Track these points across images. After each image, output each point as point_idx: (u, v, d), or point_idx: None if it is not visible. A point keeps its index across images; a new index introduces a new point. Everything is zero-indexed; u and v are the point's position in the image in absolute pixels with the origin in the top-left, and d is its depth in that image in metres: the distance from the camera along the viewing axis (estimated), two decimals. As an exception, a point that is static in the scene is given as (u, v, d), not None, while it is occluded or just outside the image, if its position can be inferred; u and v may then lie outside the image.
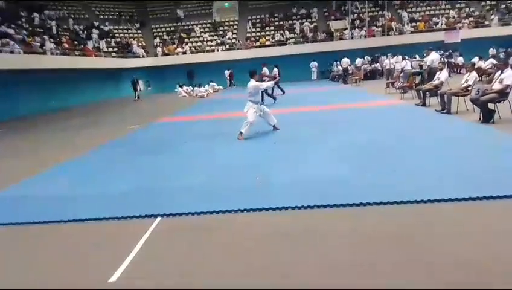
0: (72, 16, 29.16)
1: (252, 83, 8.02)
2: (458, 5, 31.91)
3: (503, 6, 30.35)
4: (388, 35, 29.16)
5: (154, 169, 6.05)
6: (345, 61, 23.76)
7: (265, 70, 17.00)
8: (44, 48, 19.98)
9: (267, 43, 30.72)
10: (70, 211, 4.31)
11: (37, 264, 3.26)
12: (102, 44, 28.19)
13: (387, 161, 5.34)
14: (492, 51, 23.00)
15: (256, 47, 30.24)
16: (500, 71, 7.47)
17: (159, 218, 3.94)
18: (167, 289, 2.70)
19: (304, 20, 32.67)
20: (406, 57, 17.65)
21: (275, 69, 16.58)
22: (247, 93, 8.09)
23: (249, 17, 33.98)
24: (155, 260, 3.13)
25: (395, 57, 18.99)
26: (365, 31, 29.87)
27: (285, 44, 30.24)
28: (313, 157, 5.86)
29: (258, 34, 32.32)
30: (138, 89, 24.16)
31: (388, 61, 19.66)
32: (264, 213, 3.88)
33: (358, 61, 24.79)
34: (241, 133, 7.75)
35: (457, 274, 2.56)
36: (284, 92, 17.35)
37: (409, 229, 3.27)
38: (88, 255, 3.33)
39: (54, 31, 23.87)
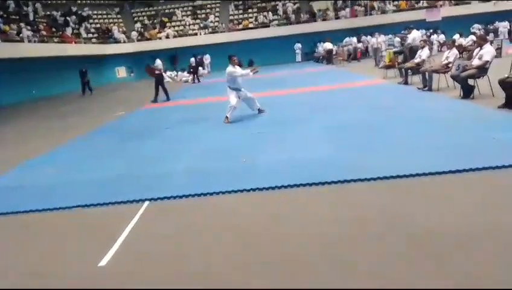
0: (49, 2, 28.24)
1: (229, 68, 7.76)
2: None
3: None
4: (371, 14, 29.11)
5: (141, 154, 6.05)
6: (328, 44, 23.50)
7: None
8: (21, 35, 19.39)
9: (250, 25, 30.35)
10: (57, 199, 4.30)
11: (26, 252, 3.27)
12: (82, 30, 27.46)
13: (372, 138, 5.44)
14: (476, 28, 23.17)
15: (239, 30, 29.86)
16: (479, 47, 7.58)
17: (146, 202, 3.96)
18: (157, 273, 2.73)
19: (287, 1, 32.33)
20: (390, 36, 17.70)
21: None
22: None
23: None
24: (144, 244, 3.17)
25: (381, 36, 18.93)
26: (347, 11, 29.72)
27: (268, 26, 29.93)
28: (298, 139, 5.93)
29: (241, 16, 31.87)
30: (87, 81, 19.47)
31: (375, 40, 19.61)
32: (251, 193, 3.93)
33: (347, 40, 24.73)
34: (226, 117, 7.71)
35: (438, 245, 2.63)
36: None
37: (392, 203, 3.36)
38: (77, 241, 3.35)
39: (31, 18, 23.12)
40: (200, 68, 26.34)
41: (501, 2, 27.15)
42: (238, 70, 7.79)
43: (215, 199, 3.91)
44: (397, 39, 15.54)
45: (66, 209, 4.04)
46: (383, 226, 2.97)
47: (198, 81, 21.03)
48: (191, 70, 21.75)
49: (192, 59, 22.00)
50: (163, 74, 13.21)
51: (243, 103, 8.16)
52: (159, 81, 13.09)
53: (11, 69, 18.13)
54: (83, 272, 2.83)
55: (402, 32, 19.83)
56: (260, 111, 8.29)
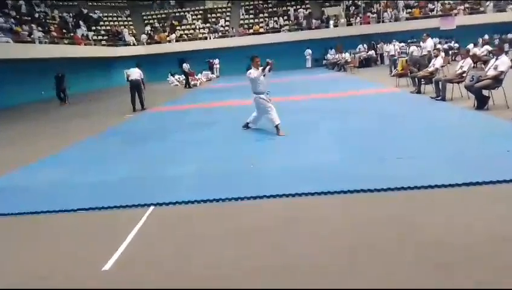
0: (61, 3, 28.57)
1: (249, 71, 6.83)
2: (454, -9, 31.77)
3: (498, -8, 30.27)
4: (383, 22, 28.97)
5: (147, 158, 5.99)
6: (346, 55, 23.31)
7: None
8: (32, 36, 19.58)
9: (261, 30, 30.38)
10: (63, 201, 4.24)
11: (30, 254, 3.20)
12: (92, 32, 27.71)
13: (382, 147, 5.33)
14: (484, 39, 22.92)
15: (249, 34, 29.89)
16: (495, 57, 7.43)
17: (152, 207, 3.89)
18: (161, 277, 2.67)
19: (298, 7, 32.33)
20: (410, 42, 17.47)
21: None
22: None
23: (242, 4, 33.53)
24: (148, 249, 3.10)
25: (401, 43, 18.62)
26: (360, 17, 29.62)
27: (279, 31, 29.92)
28: (307, 146, 5.82)
29: (252, 21, 31.94)
30: (65, 87, 16.63)
31: (393, 47, 19.32)
32: (257, 200, 3.84)
33: (360, 47, 24.61)
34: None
35: (446, 256, 2.57)
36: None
37: (401, 214, 3.27)
38: (81, 245, 3.29)
39: (42, 19, 23.38)
40: (209, 72, 26.48)
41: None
42: (253, 73, 6.69)
43: (221, 205, 3.82)
44: (413, 47, 15.34)
45: (71, 211, 3.98)
46: (391, 236, 2.90)
47: (189, 86, 20.75)
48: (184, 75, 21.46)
49: (185, 65, 21.14)
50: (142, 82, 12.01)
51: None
52: (137, 88, 11.96)
53: (22, 70, 18.29)
54: (86, 276, 2.78)
55: (409, 41, 19.68)
56: (277, 129, 6.74)
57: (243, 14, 32.71)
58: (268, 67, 6.59)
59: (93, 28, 28.96)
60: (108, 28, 30.59)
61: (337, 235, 3.01)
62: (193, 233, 3.30)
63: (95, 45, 26.59)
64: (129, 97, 11.97)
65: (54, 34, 22.64)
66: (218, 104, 12.23)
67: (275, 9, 32.68)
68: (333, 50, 25.58)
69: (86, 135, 8.31)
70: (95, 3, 32.46)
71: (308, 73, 23.27)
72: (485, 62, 12.50)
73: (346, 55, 22.83)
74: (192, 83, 21.81)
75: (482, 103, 7.32)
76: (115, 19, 32.16)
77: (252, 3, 33.56)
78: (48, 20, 24.34)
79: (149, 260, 2.92)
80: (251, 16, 32.51)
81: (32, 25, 20.72)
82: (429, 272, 2.41)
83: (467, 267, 2.44)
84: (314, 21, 29.83)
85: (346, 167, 4.64)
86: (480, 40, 21.68)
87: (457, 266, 2.46)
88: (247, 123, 7.42)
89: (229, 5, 33.81)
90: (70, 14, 27.80)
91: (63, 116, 12.57)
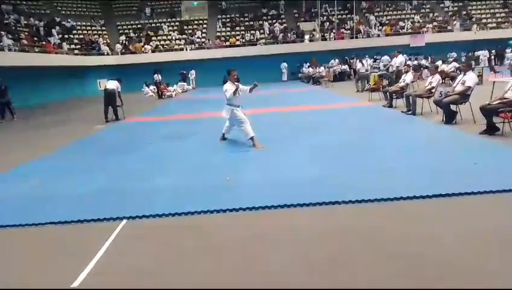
0: (33, 11, 27.87)
1: (225, 86, 6.90)
2: (423, 10, 33.19)
3: (464, 12, 31.88)
4: (356, 38, 29.82)
5: (121, 170, 5.83)
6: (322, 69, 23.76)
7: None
8: (1, 43, 18.96)
9: (237, 43, 30.60)
10: (30, 215, 4.05)
11: (-9, 272, 3.04)
12: (65, 41, 27.11)
13: (357, 160, 5.41)
14: (451, 56, 23.94)
15: (226, 46, 30.04)
16: (463, 73, 7.74)
17: (124, 221, 3.77)
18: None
19: (274, 21, 32.84)
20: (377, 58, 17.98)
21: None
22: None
23: (219, 17, 33.76)
24: (120, 265, 3.00)
25: (370, 59, 19.09)
26: (334, 33, 30.37)
27: (255, 44, 30.22)
28: (284, 158, 5.84)
29: (228, 33, 32.15)
30: (8, 102, 14.40)
31: (360, 64, 19.83)
32: (234, 214, 3.80)
33: (332, 62, 25.17)
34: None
35: (424, 270, 2.60)
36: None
37: (378, 226, 3.31)
38: (49, 260, 3.14)
39: (12, 27, 22.71)
40: (184, 83, 26.31)
41: (482, 31, 28.31)
42: (228, 90, 6.72)
43: (196, 219, 3.76)
44: (382, 63, 15.78)
45: (39, 225, 3.81)
46: (368, 248, 2.93)
47: (161, 97, 20.95)
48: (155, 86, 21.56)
49: (155, 76, 21.27)
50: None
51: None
52: (112, 98, 11.79)
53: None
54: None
55: (374, 56, 20.25)
56: (253, 142, 6.73)
57: (219, 27, 32.90)
58: (254, 87, 6.95)
59: (66, 36, 28.33)
60: (81, 36, 30.02)
61: (311, 249, 3.01)
62: (167, 247, 3.22)
63: (67, 54, 25.98)
64: (102, 107, 11.74)
65: (25, 41, 21.99)
66: (193, 115, 12.14)
67: (251, 22, 33.06)
68: (308, 64, 26.01)
69: (55, 146, 8.02)
70: (68, 12, 31.86)
71: (284, 86, 23.54)
72: (453, 78, 13.01)
73: (321, 69, 23.25)
74: (168, 94, 21.63)
75: (450, 117, 7.59)
76: (88, 28, 31.61)
77: (228, 16, 33.84)
78: (18, 28, 23.64)
79: (119, 276, 2.83)
80: (228, 29, 32.73)
81: (2, 32, 20.06)
82: (410, 284, 2.44)
83: (446, 279, 2.48)
84: (289, 35, 30.36)
85: (323, 179, 4.67)
86: (451, 57, 22.62)
87: (437, 277, 2.49)
88: (223, 134, 7.41)
89: (206, 17, 33.94)
90: (43, 23, 27.11)
91: (32, 126, 12.12)
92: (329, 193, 4.09)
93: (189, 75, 28.32)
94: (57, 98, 22.96)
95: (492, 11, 32.24)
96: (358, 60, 17.44)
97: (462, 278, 2.50)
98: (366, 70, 16.46)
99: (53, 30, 26.84)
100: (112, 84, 11.74)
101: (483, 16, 31.81)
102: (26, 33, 23.75)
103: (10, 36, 20.65)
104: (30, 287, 2.76)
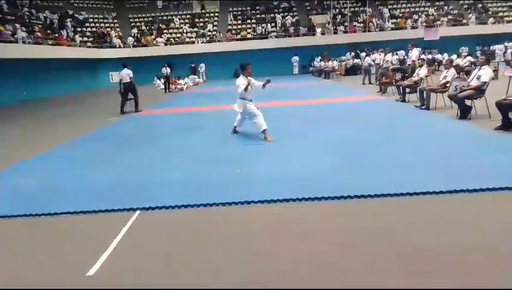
0: (46, 4, 28.13)
1: (237, 80, 6.93)
2: (437, 3, 32.60)
3: (480, 5, 31.23)
4: (369, 31, 29.45)
5: (133, 162, 5.89)
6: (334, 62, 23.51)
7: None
8: (15, 36, 19.21)
9: (248, 36, 30.49)
10: (46, 205, 4.13)
11: (10, 259, 3.11)
12: (77, 33, 27.33)
13: (369, 155, 5.37)
14: (463, 50, 23.44)
15: (237, 40, 29.95)
16: (478, 68, 7.60)
17: (138, 212, 3.82)
18: (146, 283, 2.62)
19: (286, 14, 32.61)
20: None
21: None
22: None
23: (230, 9, 33.64)
24: (134, 254, 3.04)
25: (388, 53, 18.73)
26: (346, 26, 30.04)
27: (266, 37, 30.07)
28: (295, 152, 5.83)
29: (239, 26, 32.05)
30: None
31: (368, 58, 19.58)
32: (244, 206, 3.82)
33: (347, 56, 24.94)
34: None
35: (430, 264, 2.58)
36: None
37: (389, 222, 3.28)
38: (65, 249, 3.21)
39: (26, 19, 22.95)
40: (195, 76, 26.36)
41: (497, 25, 27.71)
42: (241, 86, 6.72)
43: (208, 211, 3.79)
44: (395, 57, 15.48)
45: (55, 215, 3.89)
46: (376, 243, 2.92)
47: (169, 91, 20.67)
48: (164, 79, 21.16)
49: (164, 69, 20.67)
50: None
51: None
52: (132, 90, 12.12)
53: (4, 70, 17.87)
54: (70, 282, 2.71)
55: (380, 49, 19.87)
56: (264, 135, 6.75)
57: (231, 20, 32.79)
58: (266, 83, 6.91)
59: (79, 29, 28.56)
60: (94, 29, 30.23)
61: (320, 243, 3.01)
62: (180, 239, 3.25)
63: (80, 46, 26.21)
64: (115, 99, 11.84)
65: (38, 34, 22.23)
66: (205, 108, 12.19)
67: (262, 15, 32.87)
68: (319, 58, 25.83)
69: (69, 137, 8.15)
70: (81, 5, 32.08)
71: (295, 80, 23.42)
72: (467, 72, 12.80)
73: (334, 63, 23.07)
74: (179, 87, 21.67)
75: (465, 112, 7.48)
76: (101, 20, 31.81)
77: (240, 9, 33.70)
78: (32, 21, 23.90)
79: (134, 265, 2.87)
80: (239, 22, 32.61)
81: (16, 25, 20.31)
82: (411, 281, 2.43)
83: (451, 275, 2.46)
84: (301, 28, 30.13)
85: (335, 173, 4.65)
86: (464, 51, 22.18)
87: (441, 274, 2.48)
88: (235, 127, 7.43)
89: (217, 10, 33.85)
90: (56, 15, 27.35)
91: (46, 118, 12.31)
92: (340, 187, 4.07)
93: (199, 68, 28.33)
94: (69, 90, 23.22)
95: (509, 4, 31.47)
96: (380, 53, 16.99)
97: (475, 277, 2.48)
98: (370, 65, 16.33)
99: (66, 23, 27.04)
100: (126, 75, 11.79)
101: (500, 9, 31.12)
102: (40, 26, 24.00)
103: (24, 29, 20.90)
104: (46, 275, 2.82)
